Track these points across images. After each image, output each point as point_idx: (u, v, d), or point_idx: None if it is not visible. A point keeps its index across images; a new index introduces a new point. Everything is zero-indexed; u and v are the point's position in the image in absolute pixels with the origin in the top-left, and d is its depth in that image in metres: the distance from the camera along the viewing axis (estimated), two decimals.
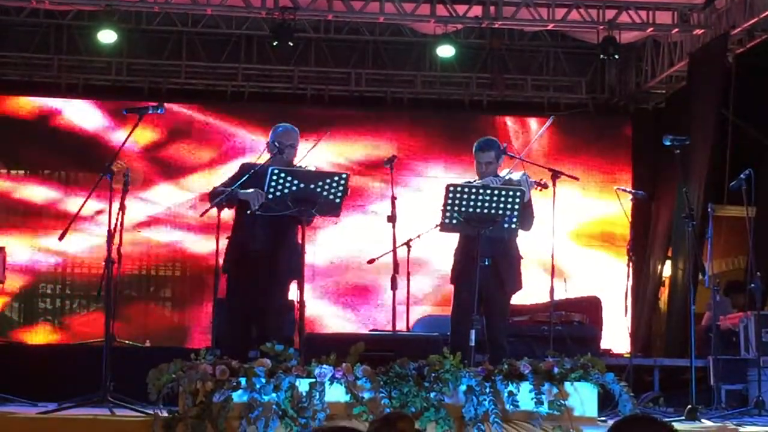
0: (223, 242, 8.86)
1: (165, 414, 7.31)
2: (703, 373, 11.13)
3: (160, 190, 15.95)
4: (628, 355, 11.34)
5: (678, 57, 15.62)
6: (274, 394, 7.15)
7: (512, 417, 7.53)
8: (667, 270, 15.25)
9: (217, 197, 8.65)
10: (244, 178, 8.62)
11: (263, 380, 7.16)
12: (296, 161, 8.96)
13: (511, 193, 8.42)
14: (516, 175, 9.07)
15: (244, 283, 8.77)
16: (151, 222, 15.87)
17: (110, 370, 8.13)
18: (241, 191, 8.65)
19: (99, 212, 13.79)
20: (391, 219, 9.12)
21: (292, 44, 14.75)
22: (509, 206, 8.40)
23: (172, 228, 15.91)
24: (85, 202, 8.69)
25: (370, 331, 13.90)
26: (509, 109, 16.90)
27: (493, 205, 8.38)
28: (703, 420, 8.98)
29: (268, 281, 8.67)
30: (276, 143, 8.86)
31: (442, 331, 9.15)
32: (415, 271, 11.43)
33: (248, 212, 8.51)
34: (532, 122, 16.62)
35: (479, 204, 8.37)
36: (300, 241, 8.40)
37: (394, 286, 9.49)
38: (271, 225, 8.57)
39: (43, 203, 15.76)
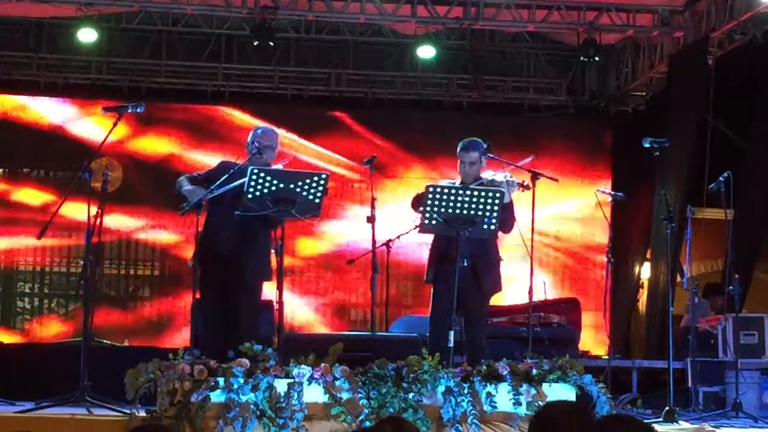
0: None
1: (142, 414, 7.30)
2: (681, 375, 11.16)
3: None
4: (607, 357, 11.36)
5: (658, 59, 15.64)
6: (252, 395, 7.14)
7: (490, 418, 7.55)
8: (645, 272, 15.28)
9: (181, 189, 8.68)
10: (223, 178, 8.57)
11: (241, 380, 7.16)
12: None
13: (491, 194, 8.38)
14: (499, 176, 9.04)
15: (214, 285, 8.73)
16: (132, 222, 15.82)
17: (88, 370, 8.12)
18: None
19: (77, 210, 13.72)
20: (371, 219, 9.09)
21: (272, 44, 14.77)
22: (488, 207, 8.36)
23: (152, 227, 15.85)
24: (63, 200, 8.67)
25: (349, 331, 13.88)
26: (489, 110, 16.90)
27: (473, 206, 8.34)
28: (680, 422, 9.03)
29: (236, 283, 8.64)
30: (255, 144, 8.84)
31: (420, 332, 9.13)
32: (395, 271, 11.41)
33: (234, 212, 8.43)
34: None
35: (459, 205, 8.34)
36: (274, 242, 8.39)
37: (372, 287, 9.47)
38: (239, 227, 8.53)
39: (21, 201, 15.68)
